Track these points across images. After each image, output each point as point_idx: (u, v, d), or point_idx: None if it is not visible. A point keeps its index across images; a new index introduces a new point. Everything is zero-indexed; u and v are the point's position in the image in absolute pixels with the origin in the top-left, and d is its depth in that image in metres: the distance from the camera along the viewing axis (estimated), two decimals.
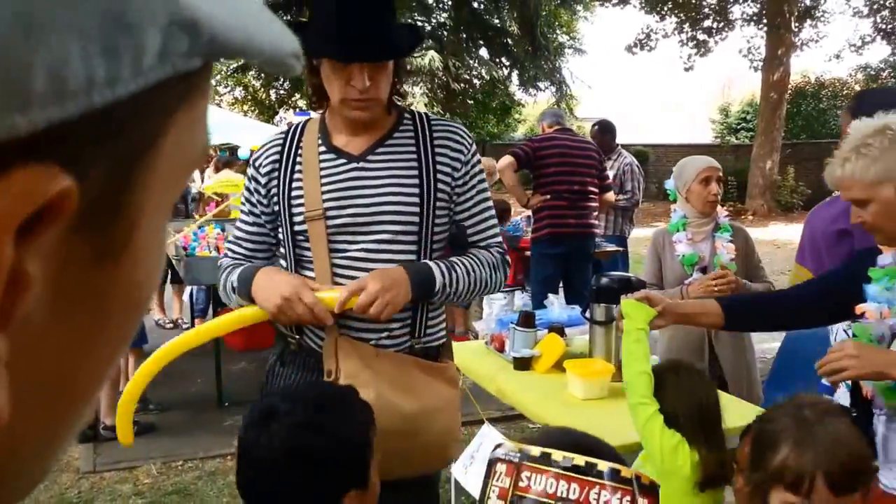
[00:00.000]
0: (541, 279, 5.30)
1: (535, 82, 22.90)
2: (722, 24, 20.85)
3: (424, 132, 1.77)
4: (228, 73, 27.20)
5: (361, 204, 1.69)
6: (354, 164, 1.71)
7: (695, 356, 3.05)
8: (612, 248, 5.87)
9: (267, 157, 1.78)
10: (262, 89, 24.60)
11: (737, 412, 2.47)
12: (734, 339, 3.05)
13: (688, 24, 21.03)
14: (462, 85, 22.44)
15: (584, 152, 5.26)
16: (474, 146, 1.84)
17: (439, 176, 1.74)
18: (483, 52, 23.42)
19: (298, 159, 1.74)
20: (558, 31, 24.91)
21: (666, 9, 20.85)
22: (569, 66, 24.86)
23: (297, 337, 1.77)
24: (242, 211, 1.84)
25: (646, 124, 31.82)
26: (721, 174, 3.16)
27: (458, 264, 1.74)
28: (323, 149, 1.74)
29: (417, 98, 22.46)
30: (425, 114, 1.86)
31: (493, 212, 1.86)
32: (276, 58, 0.30)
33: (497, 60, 23.70)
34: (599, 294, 2.80)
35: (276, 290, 1.59)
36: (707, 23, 21.09)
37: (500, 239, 1.89)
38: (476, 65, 22.98)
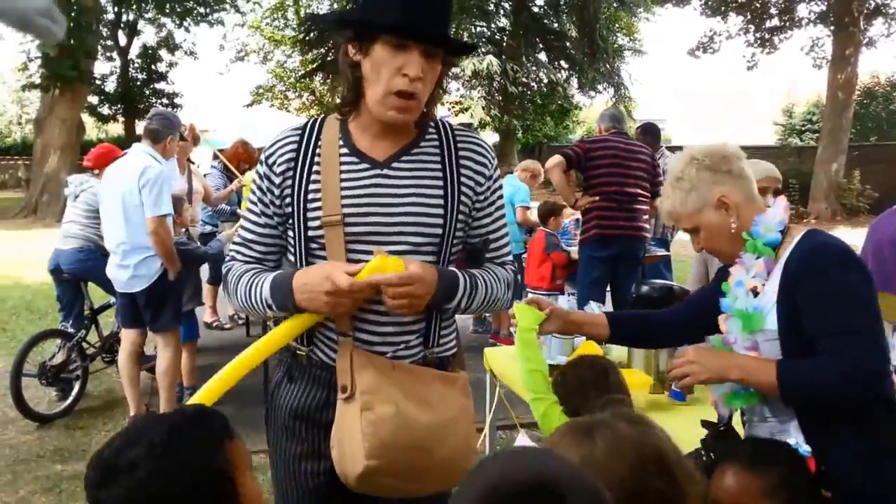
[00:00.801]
0: (588, 282, 5.18)
1: (593, 85, 22.68)
2: (787, 23, 20.27)
3: (449, 143, 1.70)
4: (297, 80, 27.90)
5: (384, 213, 1.59)
6: (378, 171, 1.62)
7: None
8: (660, 252, 5.73)
9: (282, 155, 1.65)
10: (328, 94, 25.06)
11: None
12: None
13: (752, 25, 20.51)
14: (520, 88, 22.33)
15: (636, 156, 5.15)
16: (496, 161, 1.77)
17: (463, 188, 1.67)
18: (542, 55, 23.31)
19: (317, 159, 1.63)
20: (618, 34, 24.58)
21: (729, 10, 20.39)
22: (628, 67, 24.52)
23: (307, 348, 1.68)
24: (252, 210, 1.71)
25: (706, 126, 31.12)
26: (780, 186, 2.99)
27: (479, 278, 1.68)
28: (345, 151, 1.63)
29: (475, 101, 22.45)
30: (449, 124, 1.77)
31: (507, 229, 1.81)
32: (25, 17, 0.25)
33: (555, 64, 23.56)
34: (639, 302, 2.71)
35: (319, 289, 1.50)
36: (771, 22, 20.54)
37: (511, 257, 1.83)
38: (534, 68, 22.87)
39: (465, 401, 1.68)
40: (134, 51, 29.57)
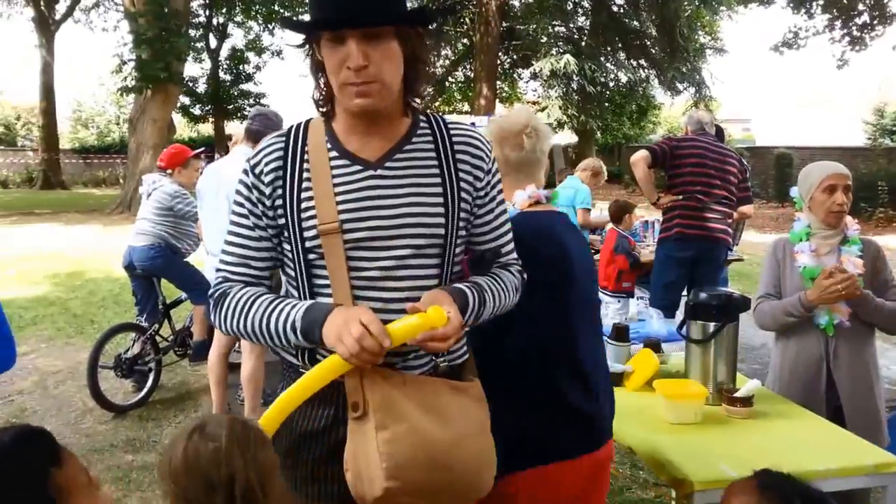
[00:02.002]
0: (663, 283, 5.08)
1: (673, 84, 22.14)
2: (877, 19, 19.27)
3: (444, 137, 1.61)
4: None
5: (382, 216, 1.51)
6: (371, 172, 1.53)
7: (810, 382, 2.79)
8: (733, 257, 5.53)
9: (268, 164, 1.55)
10: (421, 102, 25.26)
11: (853, 451, 2.25)
12: (856, 364, 2.75)
13: (840, 21, 19.60)
14: (598, 88, 22.00)
15: (722, 157, 5.01)
16: (493, 154, 1.68)
17: (462, 184, 1.59)
18: (620, 54, 22.91)
19: (306, 165, 1.54)
20: (699, 32, 23.88)
21: (815, 6, 19.55)
22: (709, 66, 23.78)
23: (311, 365, 1.54)
24: (241, 224, 1.59)
25: (791, 126, 29.88)
26: (850, 182, 2.85)
27: (487, 292, 1.59)
28: (334, 154, 1.55)
29: (552, 101, 22.26)
30: (441, 117, 1.68)
31: (510, 226, 1.72)
32: None
33: (635, 63, 23.12)
34: (696, 310, 2.61)
35: (350, 332, 1.37)
36: (861, 19, 19.57)
37: (516, 255, 1.73)
38: (613, 67, 22.49)
39: (480, 409, 1.60)
40: (224, 53, 30.64)
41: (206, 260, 4.35)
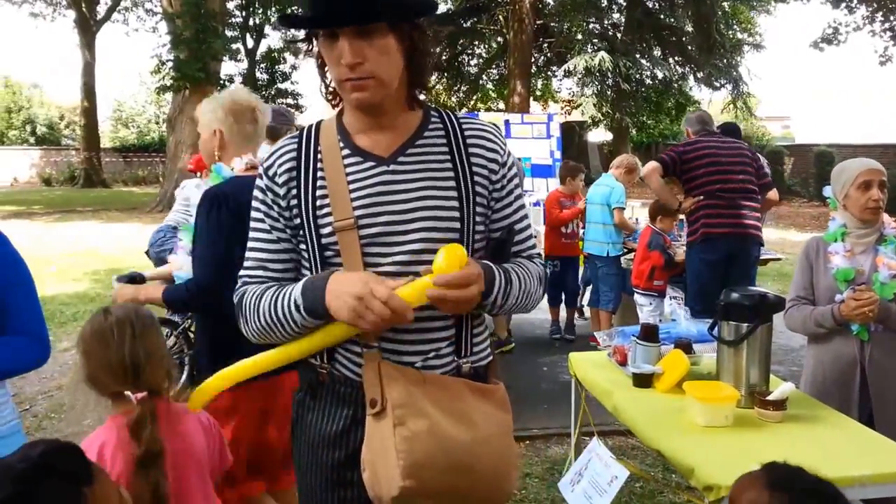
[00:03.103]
0: (696, 289, 4.95)
1: (709, 80, 21.82)
2: None
3: (455, 131, 1.60)
4: None
5: (396, 210, 1.50)
6: (384, 167, 1.53)
7: (844, 387, 2.73)
8: (771, 256, 5.42)
9: (281, 165, 1.57)
10: (445, 92, 25.40)
11: (890, 457, 2.19)
12: (891, 369, 2.68)
13: (881, 15, 19.14)
14: (633, 85, 21.77)
15: (734, 152, 4.96)
16: (508, 146, 1.66)
17: (476, 178, 1.57)
18: (656, 51, 22.65)
19: (319, 164, 1.55)
20: (736, 28, 23.49)
21: (856, 0, 19.14)
22: (746, 62, 23.39)
23: (328, 367, 1.56)
24: (259, 229, 1.60)
25: (832, 122, 29.28)
26: (885, 178, 2.79)
27: (511, 272, 1.56)
28: (346, 151, 1.56)
29: (587, 99, 22.10)
30: (452, 112, 1.66)
31: (529, 219, 1.69)
32: None
33: (670, 59, 22.85)
34: (728, 311, 2.56)
35: (348, 291, 1.38)
36: None
37: (538, 249, 1.71)
38: (648, 64, 22.23)
39: (503, 415, 1.56)
40: (260, 53, 30.98)
41: None
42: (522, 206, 1.67)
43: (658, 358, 2.77)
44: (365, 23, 1.43)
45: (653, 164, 4.97)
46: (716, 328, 2.64)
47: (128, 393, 1.82)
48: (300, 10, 1.59)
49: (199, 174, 5.16)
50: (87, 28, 29.50)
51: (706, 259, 4.85)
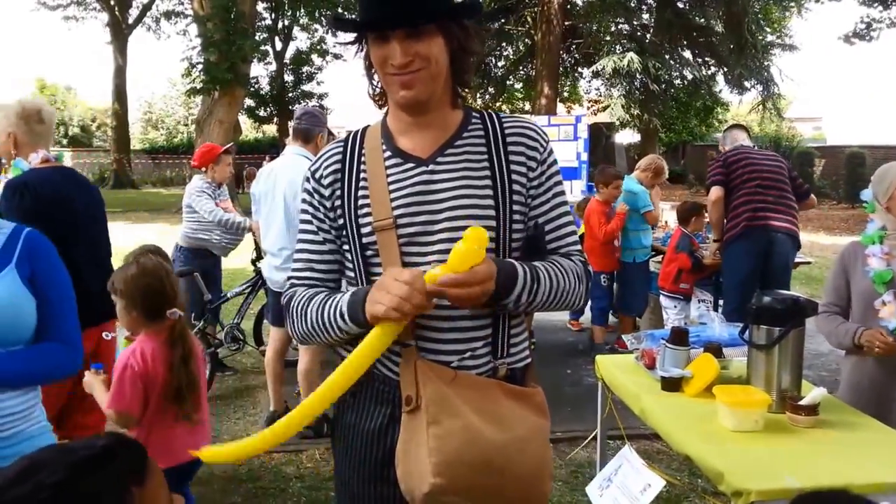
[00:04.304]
0: (735, 284, 5.08)
1: (740, 81, 21.58)
2: None
3: (495, 130, 1.61)
4: None
5: (433, 210, 1.54)
6: (423, 168, 1.57)
7: (884, 394, 2.68)
8: (800, 260, 5.38)
9: (327, 168, 1.64)
10: (471, 94, 25.42)
11: None
12: None
13: None
14: (661, 86, 21.59)
15: (769, 159, 5.24)
16: (549, 144, 1.65)
17: (514, 176, 1.58)
18: (685, 52, 22.45)
19: (363, 167, 1.61)
20: (767, 28, 23.23)
21: None
22: (777, 63, 23.14)
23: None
24: (305, 230, 1.67)
25: (864, 124, 28.80)
26: None
27: (541, 270, 1.55)
28: (388, 153, 1.60)
29: (615, 99, 21.97)
30: (495, 112, 1.68)
31: (570, 217, 1.67)
32: None
33: (700, 60, 22.64)
34: (760, 315, 2.52)
35: (381, 289, 1.42)
36: None
37: (579, 247, 1.68)
38: (677, 65, 22.04)
39: (539, 420, 1.56)
40: (288, 55, 31.24)
41: (267, 260, 4.44)
42: (562, 204, 1.65)
43: (687, 362, 2.73)
44: (416, 25, 1.47)
45: (719, 191, 5.11)
46: (747, 332, 2.60)
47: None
48: (351, 13, 1.64)
49: (203, 169, 5.36)
50: (119, 31, 29.96)
51: (745, 250, 4.96)
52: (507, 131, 1.62)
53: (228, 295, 5.55)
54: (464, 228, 1.48)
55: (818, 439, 2.31)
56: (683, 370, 2.69)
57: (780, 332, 2.48)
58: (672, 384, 2.68)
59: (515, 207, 1.58)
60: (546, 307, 1.60)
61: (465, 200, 1.54)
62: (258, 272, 5.36)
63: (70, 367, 2.04)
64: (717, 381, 2.57)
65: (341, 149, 1.65)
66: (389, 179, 1.57)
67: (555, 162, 1.65)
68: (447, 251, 1.48)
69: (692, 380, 2.66)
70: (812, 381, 2.86)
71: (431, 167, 1.57)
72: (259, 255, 5.35)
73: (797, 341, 2.52)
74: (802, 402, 2.39)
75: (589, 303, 5.97)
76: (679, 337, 2.78)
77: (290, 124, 4.72)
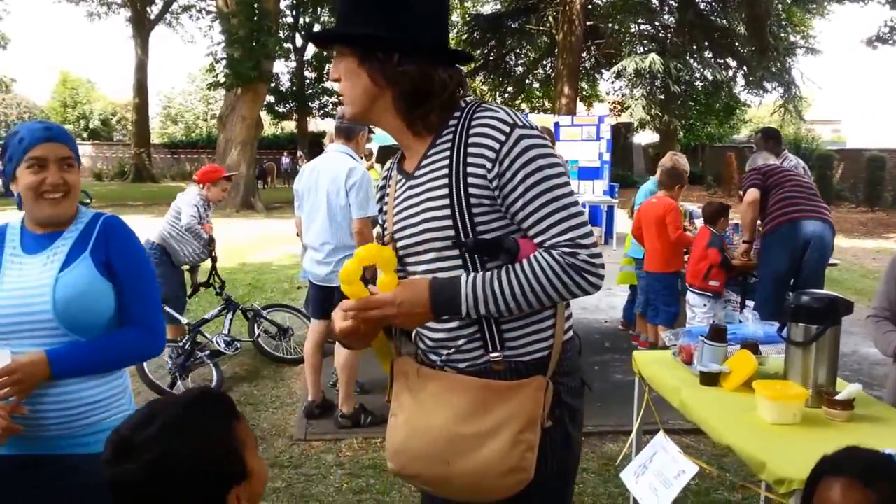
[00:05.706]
0: (771, 278, 5.24)
1: (761, 83, 21.53)
2: None
3: (461, 132, 1.54)
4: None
5: (410, 224, 1.62)
6: (408, 183, 1.65)
7: None
8: (830, 262, 5.43)
9: (379, 183, 1.87)
10: (490, 93, 25.49)
11: None
12: None
13: None
14: (682, 87, 21.58)
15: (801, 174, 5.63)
16: (516, 131, 1.49)
17: (470, 179, 1.51)
18: (707, 53, 22.40)
19: (389, 182, 1.78)
20: (789, 30, 23.13)
21: None
22: (799, 66, 23.06)
23: (398, 342, 1.79)
24: None
25: (885, 127, 28.57)
26: None
27: (497, 281, 1.50)
28: (395, 170, 1.74)
29: (636, 100, 21.97)
30: (477, 105, 1.58)
31: (558, 202, 1.50)
32: None
33: (721, 61, 22.59)
34: (798, 313, 2.62)
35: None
36: None
37: (571, 235, 1.50)
38: (699, 66, 22.02)
39: (522, 412, 1.53)
40: (309, 52, 31.39)
41: (309, 254, 4.58)
42: (545, 192, 1.50)
43: (724, 358, 2.84)
44: (321, 46, 1.67)
45: (754, 194, 5.30)
46: (785, 330, 2.70)
47: None
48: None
49: (201, 185, 5.60)
50: (142, 26, 30.20)
51: (784, 243, 5.14)
52: (470, 131, 1.53)
53: (207, 317, 5.82)
54: (431, 240, 1.58)
55: (854, 432, 2.39)
56: (721, 366, 2.80)
57: (817, 329, 2.57)
58: (710, 378, 2.78)
59: (475, 211, 1.52)
60: (526, 307, 1.53)
61: (428, 213, 1.57)
62: (224, 295, 5.75)
63: (151, 352, 2.08)
64: (755, 377, 2.67)
65: (391, 163, 1.82)
66: (395, 196, 1.70)
67: (528, 148, 1.49)
68: (427, 262, 1.62)
69: (730, 375, 2.75)
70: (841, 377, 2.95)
71: (411, 182, 1.63)
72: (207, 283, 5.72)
73: (833, 339, 2.61)
74: (838, 398, 2.48)
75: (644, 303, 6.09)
76: (718, 334, 2.88)
77: (333, 123, 4.84)
